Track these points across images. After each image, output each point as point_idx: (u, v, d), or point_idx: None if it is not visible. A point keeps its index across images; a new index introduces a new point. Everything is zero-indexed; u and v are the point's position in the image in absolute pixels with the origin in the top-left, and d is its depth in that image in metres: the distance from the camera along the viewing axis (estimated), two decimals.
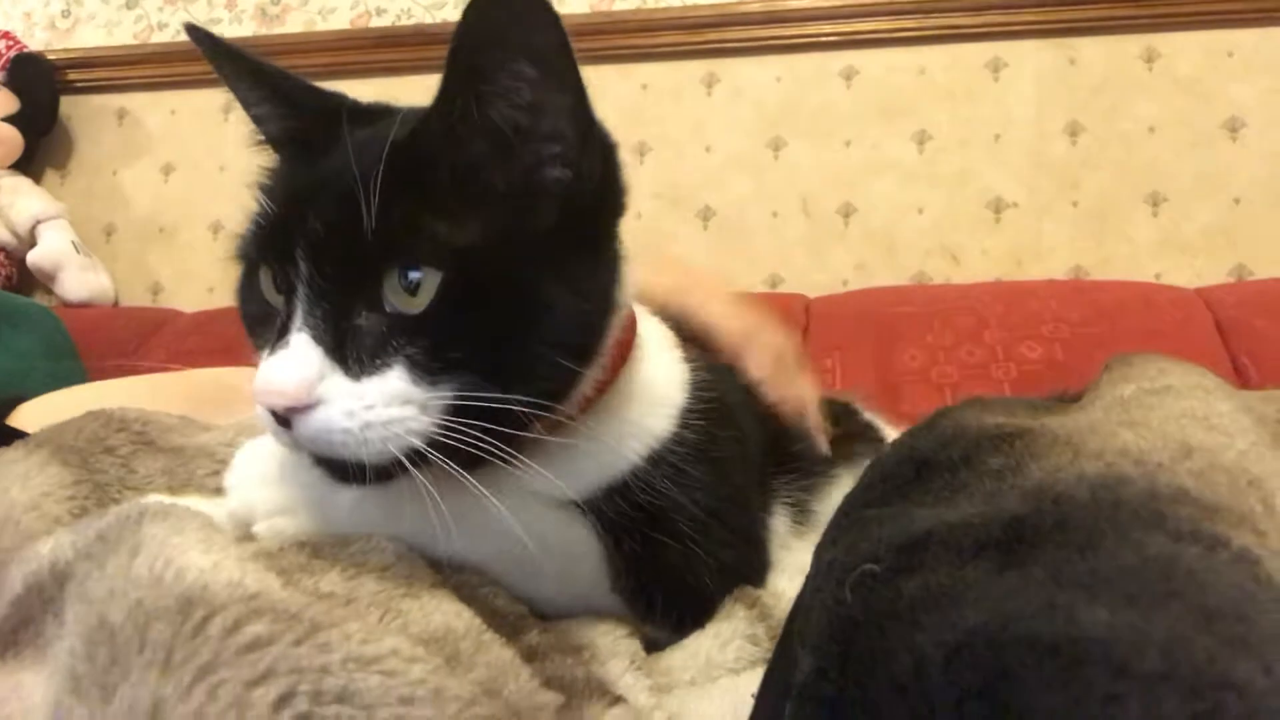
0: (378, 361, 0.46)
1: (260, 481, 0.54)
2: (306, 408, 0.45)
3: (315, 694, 0.30)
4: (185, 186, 1.94)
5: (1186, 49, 1.58)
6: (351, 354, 0.46)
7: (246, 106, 0.55)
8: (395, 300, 0.46)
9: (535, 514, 0.53)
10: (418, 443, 0.46)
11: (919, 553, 0.35)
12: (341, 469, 0.47)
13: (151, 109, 1.96)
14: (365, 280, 0.46)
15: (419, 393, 0.46)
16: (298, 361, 0.45)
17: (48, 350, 1.43)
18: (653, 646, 0.58)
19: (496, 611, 0.45)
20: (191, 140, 1.93)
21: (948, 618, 0.29)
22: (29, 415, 0.88)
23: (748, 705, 0.46)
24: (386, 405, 0.45)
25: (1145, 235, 1.60)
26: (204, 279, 1.90)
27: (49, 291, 1.89)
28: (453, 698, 0.31)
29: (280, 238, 0.48)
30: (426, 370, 0.46)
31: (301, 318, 0.46)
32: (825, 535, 0.48)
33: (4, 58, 1.91)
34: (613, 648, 0.52)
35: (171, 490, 0.63)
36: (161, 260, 1.94)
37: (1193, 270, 1.57)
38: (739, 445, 0.65)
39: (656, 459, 0.57)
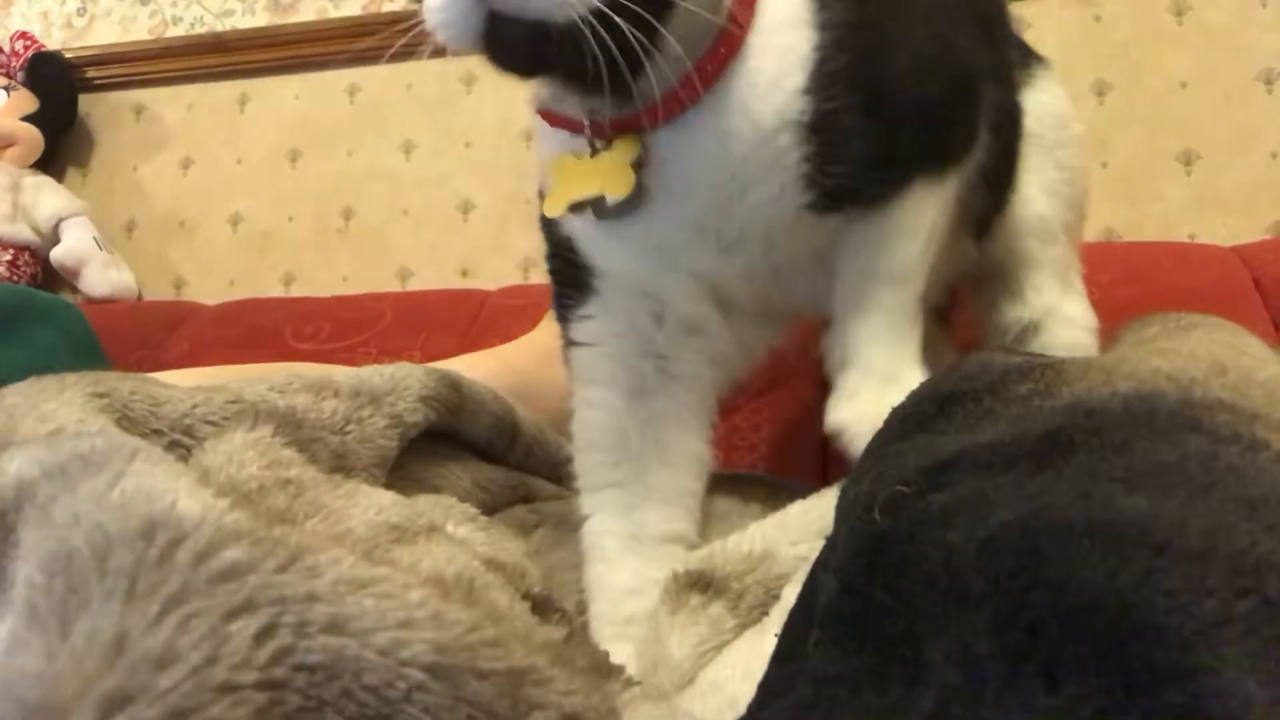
0: None
1: None
2: None
3: (300, 625, 0.28)
4: (204, 180, 1.94)
5: None
6: None
7: None
8: None
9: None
10: None
11: (949, 472, 0.33)
12: (532, 47, 0.48)
13: (169, 103, 1.96)
14: None
15: None
16: None
17: (72, 346, 1.43)
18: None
19: (493, 561, 0.43)
20: (209, 133, 1.93)
21: (979, 515, 0.28)
22: None
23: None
24: None
25: (1178, 194, 1.55)
26: (225, 272, 1.90)
27: (73, 289, 1.91)
28: (454, 621, 0.29)
29: None
30: None
31: None
32: (848, 480, 0.47)
33: (22, 58, 1.92)
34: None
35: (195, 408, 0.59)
36: (182, 254, 1.95)
37: (1228, 229, 1.52)
38: None
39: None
